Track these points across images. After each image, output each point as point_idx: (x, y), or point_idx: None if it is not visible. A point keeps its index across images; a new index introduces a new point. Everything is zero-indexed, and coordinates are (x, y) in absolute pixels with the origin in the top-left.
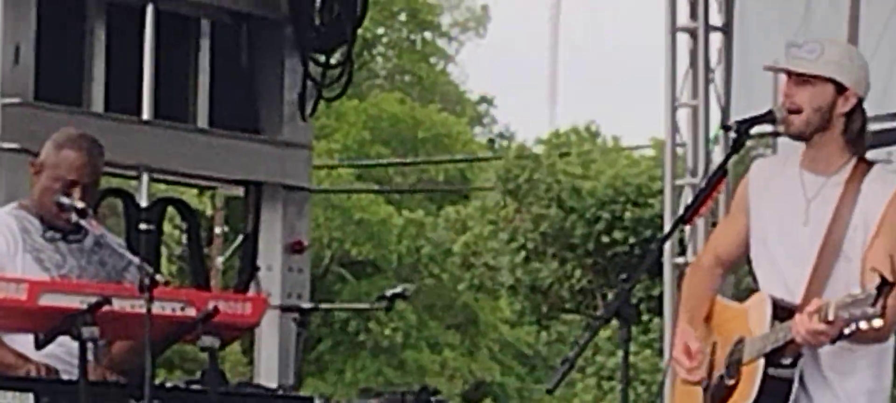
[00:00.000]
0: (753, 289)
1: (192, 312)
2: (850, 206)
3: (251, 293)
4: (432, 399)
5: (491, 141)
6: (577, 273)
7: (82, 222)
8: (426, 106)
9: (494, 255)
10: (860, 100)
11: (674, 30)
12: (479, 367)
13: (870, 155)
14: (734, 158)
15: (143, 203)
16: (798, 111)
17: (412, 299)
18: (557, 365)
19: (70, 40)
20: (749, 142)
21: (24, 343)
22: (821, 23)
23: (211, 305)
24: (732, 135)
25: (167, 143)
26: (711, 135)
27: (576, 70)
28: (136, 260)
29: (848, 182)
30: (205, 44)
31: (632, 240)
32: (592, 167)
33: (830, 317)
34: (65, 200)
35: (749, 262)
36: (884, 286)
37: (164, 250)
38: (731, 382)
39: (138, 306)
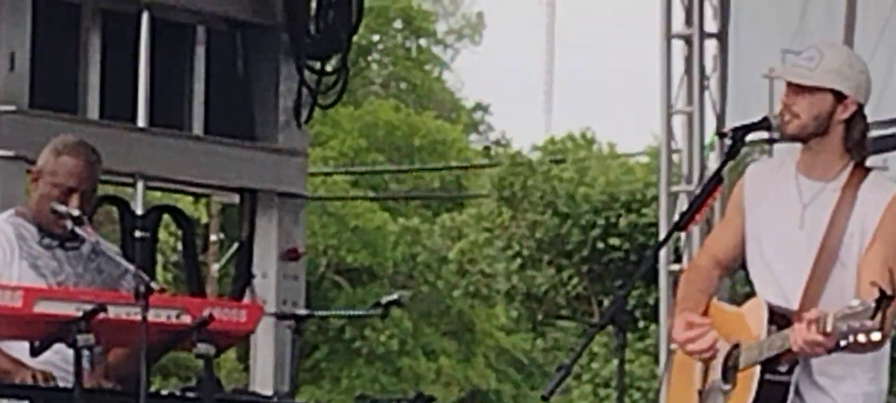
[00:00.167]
0: (749, 293)
1: (187, 319)
2: (847, 213)
3: (246, 300)
4: None
5: (487, 148)
6: (573, 280)
7: (78, 229)
8: (421, 113)
9: (490, 262)
10: (860, 107)
11: (669, 36)
12: (474, 374)
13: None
14: (729, 165)
15: (139, 210)
16: (795, 118)
17: (408, 306)
18: (553, 372)
19: (65, 47)
20: (744, 149)
21: (19, 350)
22: (816, 29)
23: (206, 312)
24: (728, 141)
25: (162, 151)
26: (707, 141)
27: (571, 77)
28: (132, 267)
29: (845, 188)
30: (200, 51)
31: (627, 247)
32: (588, 174)
33: (829, 329)
34: (60, 207)
35: (745, 266)
36: (882, 299)
37: (159, 257)
38: (727, 387)
39: (134, 313)
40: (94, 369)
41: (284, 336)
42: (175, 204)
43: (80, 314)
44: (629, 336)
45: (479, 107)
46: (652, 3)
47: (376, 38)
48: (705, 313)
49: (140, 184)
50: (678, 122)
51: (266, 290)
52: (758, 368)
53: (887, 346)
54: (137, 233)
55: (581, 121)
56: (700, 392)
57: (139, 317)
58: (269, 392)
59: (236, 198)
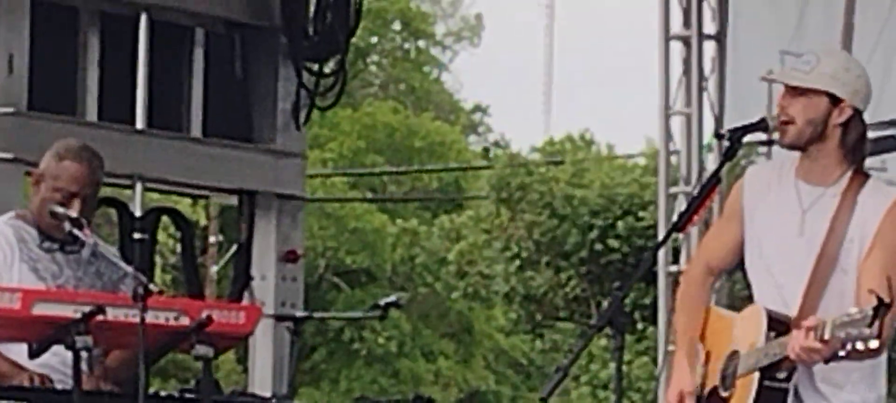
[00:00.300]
0: (747, 297)
1: (185, 321)
2: (846, 219)
3: (245, 302)
4: None
5: (486, 150)
6: (571, 281)
7: (76, 232)
8: (420, 115)
9: (488, 264)
10: (857, 111)
11: (667, 38)
12: (473, 376)
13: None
14: (727, 166)
15: (137, 212)
16: (791, 122)
17: (406, 308)
18: (552, 374)
19: (64, 50)
20: (742, 150)
21: (18, 352)
22: (814, 31)
23: (205, 314)
24: (726, 143)
25: (161, 152)
26: (705, 142)
27: (570, 78)
28: (132, 270)
29: (844, 194)
30: (198, 53)
31: (625, 249)
32: (586, 175)
33: (827, 336)
34: (59, 209)
35: (743, 270)
36: (880, 307)
37: (158, 259)
38: (726, 394)
39: (132, 315)
40: (93, 371)
41: (283, 338)
42: (174, 205)
43: (78, 316)
44: (628, 337)
45: (477, 108)
46: (650, 5)
47: (375, 39)
48: (705, 320)
49: (138, 186)
50: (676, 124)
51: (265, 292)
52: (756, 375)
53: (885, 353)
54: (136, 235)
55: (580, 123)
56: (699, 398)
57: (138, 319)
58: (268, 394)
59: (235, 200)
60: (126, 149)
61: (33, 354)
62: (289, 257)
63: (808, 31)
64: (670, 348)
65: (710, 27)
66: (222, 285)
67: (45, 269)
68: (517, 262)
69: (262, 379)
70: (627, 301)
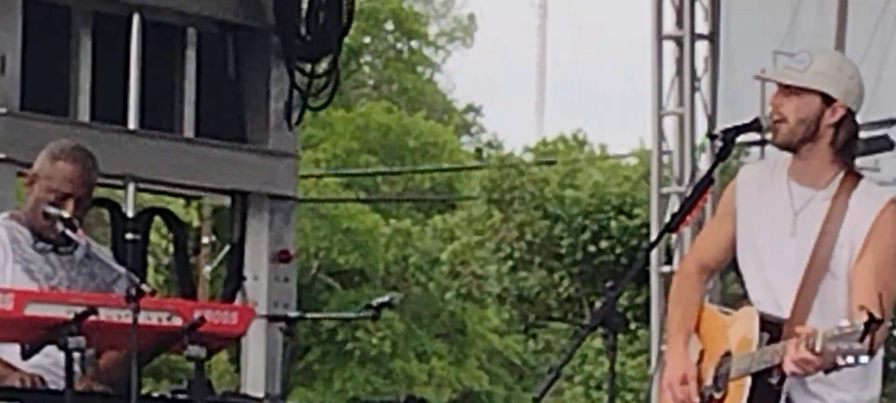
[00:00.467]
0: (740, 295)
1: (178, 322)
2: (837, 222)
3: (237, 302)
4: None
5: (479, 150)
6: (564, 282)
7: (68, 232)
8: (413, 115)
9: (482, 264)
10: (850, 111)
11: (660, 38)
12: (466, 376)
13: (857, 163)
14: (720, 166)
15: (130, 213)
16: (783, 121)
17: (399, 308)
18: (545, 374)
19: (56, 50)
20: (734, 150)
21: (10, 353)
22: (807, 32)
23: (197, 315)
24: (718, 143)
25: (153, 153)
26: (698, 143)
27: (563, 79)
28: (125, 271)
29: (835, 197)
30: (191, 53)
31: (618, 250)
32: (578, 176)
33: (818, 348)
34: (51, 210)
35: (737, 268)
36: (871, 323)
37: (150, 260)
38: (719, 395)
39: (125, 316)
40: (86, 372)
41: (276, 338)
42: (166, 206)
43: (71, 316)
44: (621, 337)
45: (470, 108)
46: (643, 5)
47: (367, 39)
48: (698, 317)
49: (131, 187)
50: (669, 124)
51: (257, 292)
52: (748, 380)
53: (880, 352)
54: (128, 236)
55: (573, 123)
56: None
57: (130, 320)
58: (261, 395)
59: (227, 201)
60: (118, 150)
61: (26, 355)
62: (281, 257)
63: (800, 32)
64: (663, 348)
65: (702, 27)
66: (215, 285)
67: (39, 270)
68: (510, 263)
69: (254, 380)
70: (620, 301)
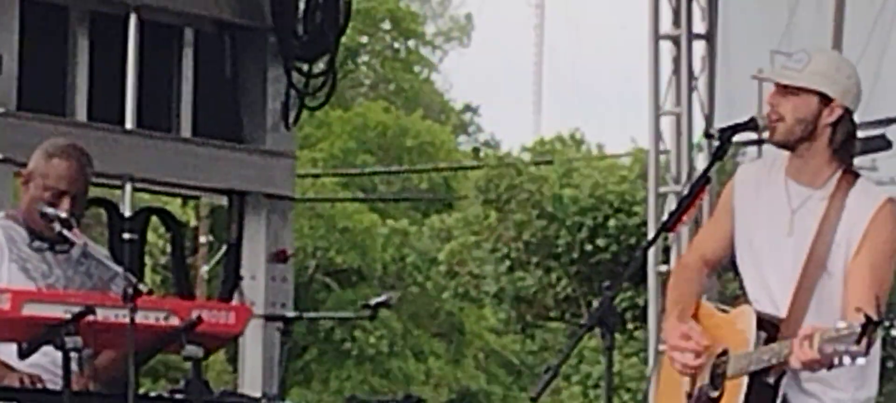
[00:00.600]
0: (739, 294)
1: (175, 321)
2: (834, 222)
3: (235, 302)
4: None
5: (476, 150)
6: (562, 281)
7: (65, 232)
8: (410, 115)
9: (479, 264)
10: (847, 111)
11: (657, 37)
12: (464, 376)
13: (854, 162)
14: (717, 165)
15: (127, 212)
16: (781, 120)
17: (397, 308)
18: (542, 373)
19: (53, 50)
20: (731, 150)
21: (7, 353)
22: (805, 31)
23: (194, 314)
24: (715, 142)
25: (150, 153)
26: (695, 142)
27: (560, 78)
28: (122, 270)
29: (832, 196)
30: (188, 53)
31: (615, 249)
32: (575, 175)
33: (815, 349)
34: (48, 210)
35: (735, 267)
36: (868, 325)
37: (147, 260)
38: (715, 394)
39: (122, 316)
40: (83, 371)
41: (273, 338)
42: (163, 206)
43: (68, 316)
44: (618, 337)
45: (468, 108)
46: (640, 5)
47: (364, 39)
48: (695, 313)
49: (128, 186)
50: (666, 123)
51: (255, 292)
52: (745, 379)
53: (877, 351)
54: (126, 236)
55: (571, 123)
56: (689, 395)
57: (127, 320)
58: (258, 394)
59: (225, 200)
60: (115, 150)
61: (23, 354)
62: (279, 257)
63: (798, 31)
64: (661, 348)
65: (699, 27)
66: (212, 285)
67: (35, 269)
68: (507, 262)
69: (252, 379)
70: (617, 301)
